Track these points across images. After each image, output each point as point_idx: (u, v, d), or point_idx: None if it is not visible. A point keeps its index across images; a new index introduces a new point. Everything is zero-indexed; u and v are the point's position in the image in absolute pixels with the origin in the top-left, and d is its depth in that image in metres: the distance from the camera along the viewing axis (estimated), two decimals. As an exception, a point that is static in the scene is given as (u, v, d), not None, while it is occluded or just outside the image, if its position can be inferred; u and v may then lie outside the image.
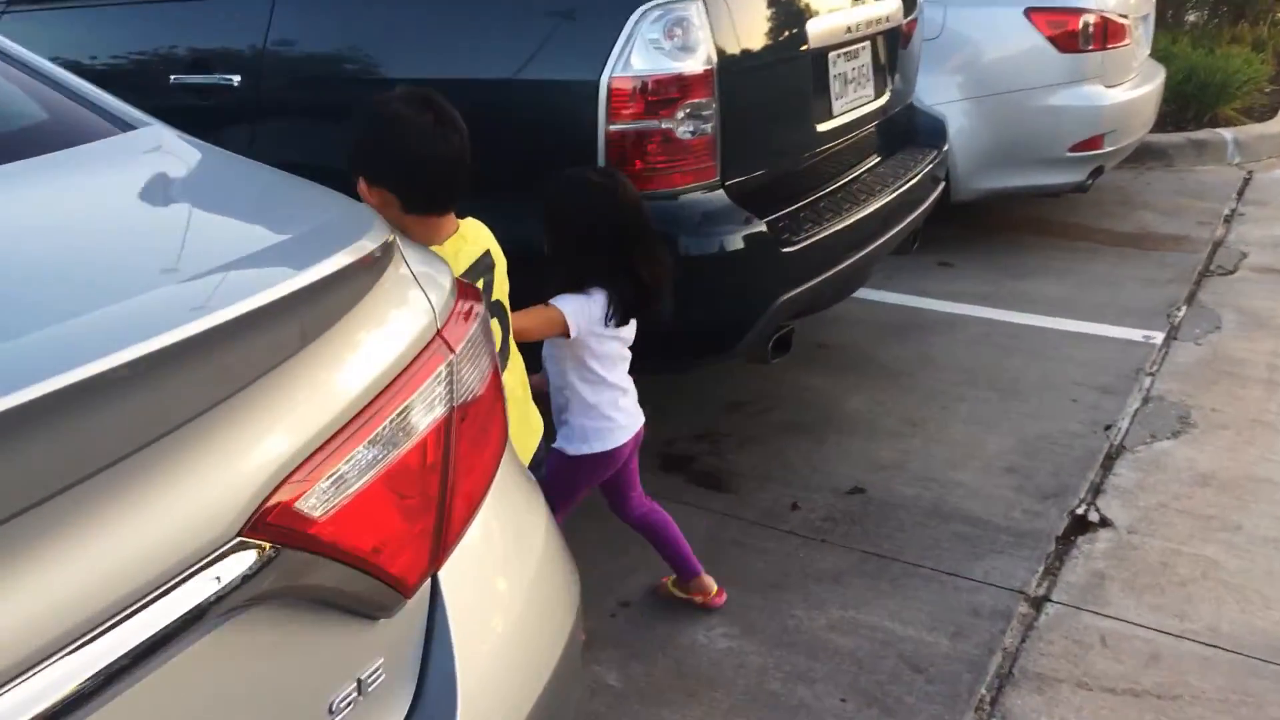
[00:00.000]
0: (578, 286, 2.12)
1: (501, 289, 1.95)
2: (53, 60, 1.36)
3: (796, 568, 2.76)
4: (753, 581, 2.69)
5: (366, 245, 1.05)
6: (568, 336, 2.11)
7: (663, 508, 2.55)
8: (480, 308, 1.28)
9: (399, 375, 1.03)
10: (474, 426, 1.16)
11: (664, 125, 2.44)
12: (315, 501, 0.90)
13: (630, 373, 2.31)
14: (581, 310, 2.11)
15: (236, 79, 2.84)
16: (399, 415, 1.02)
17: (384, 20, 2.69)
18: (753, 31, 2.62)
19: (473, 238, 1.91)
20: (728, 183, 2.58)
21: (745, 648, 2.46)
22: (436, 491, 1.07)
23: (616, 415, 2.25)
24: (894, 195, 3.13)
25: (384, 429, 0.99)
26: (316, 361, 0.95)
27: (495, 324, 1.79)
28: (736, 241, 2.54)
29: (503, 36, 2.57)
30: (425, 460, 1.05)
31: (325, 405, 0.93)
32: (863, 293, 3.97)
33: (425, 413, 1.06)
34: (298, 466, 0.88)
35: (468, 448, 1.14)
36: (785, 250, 2.62)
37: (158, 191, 1.15)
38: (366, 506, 0.97)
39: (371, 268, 1.05)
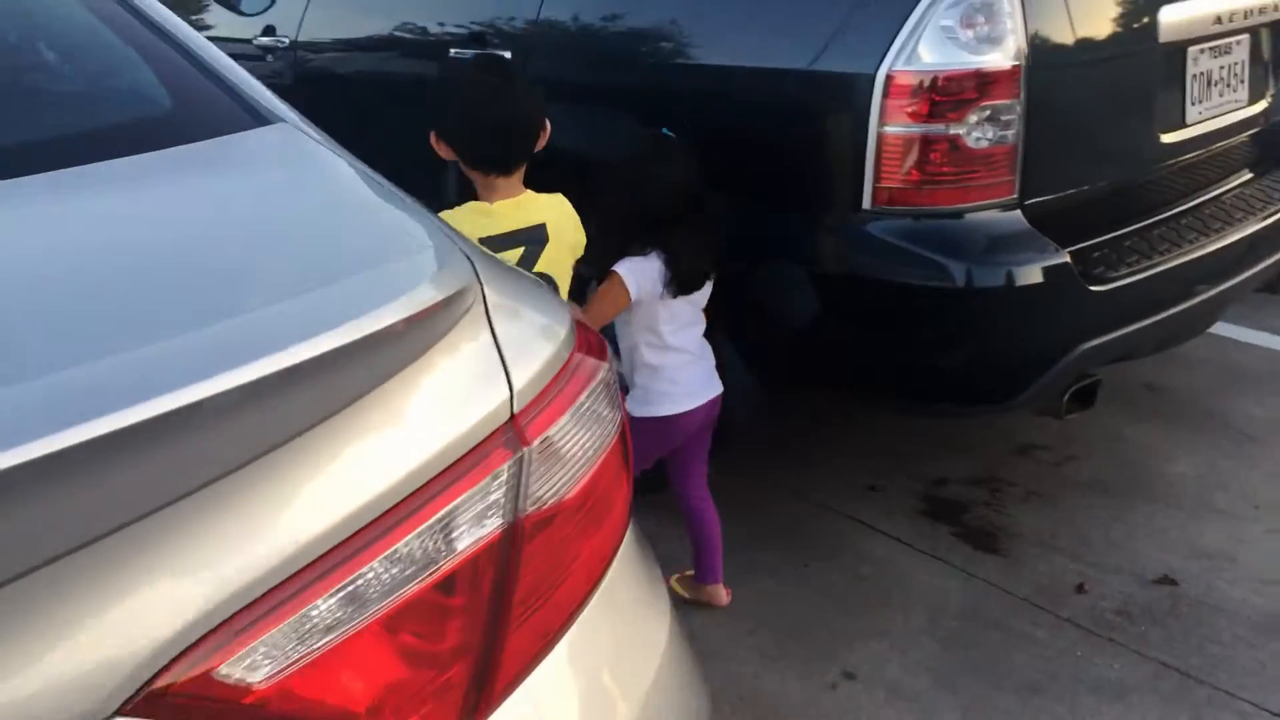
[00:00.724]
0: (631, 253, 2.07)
1: (555, 266, 1.94)
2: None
3: (1069, 669, 2.28)
4: (1008, 677, 2.25)
5: (423, 297, 0.82)
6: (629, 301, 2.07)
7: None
8: (605, 370, 1.02)
9: (433, 480, 0.80)
10: (557, 541, 0.91)
11: (952, 130, 2.04)
12: (257, 661, 0.68)
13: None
14: (639, 270, 2.07)
15: (508, 56, 2.74)
16: (420, 536, 0.78)
17: (652, 2, 2.46)
18: (1082, 20, 2.14)
19: (531, 207, 1.93)
20: (1027, 202, 2.13)
21: (982, 763, 2.05)
22: (480, 635, 0.83)
23: (683, 380, 2.19)
24: (1266, 221, 2.50)
25: (395, 554, 0.77)
26: (296, 463, 0.73)
27: None
28: (1029, 274, 2.10)
29: (772, 17, 2.26)
30: (458, 595, 0.81)
31: (296, 527, 0.72)
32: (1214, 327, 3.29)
33: (466, 529, 0.82)
34: (224, 622, 0.67)
35: (544, 568, 0.89)
36: (1094, 289, 2.14)
37: (218, 211, 0.99)
38: (348, 660, 0.74)
39: (425, 326, 0.82)
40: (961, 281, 2.06)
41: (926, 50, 2.01)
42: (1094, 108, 2.24)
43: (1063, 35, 2.10)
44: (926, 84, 2.02)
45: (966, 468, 3.01)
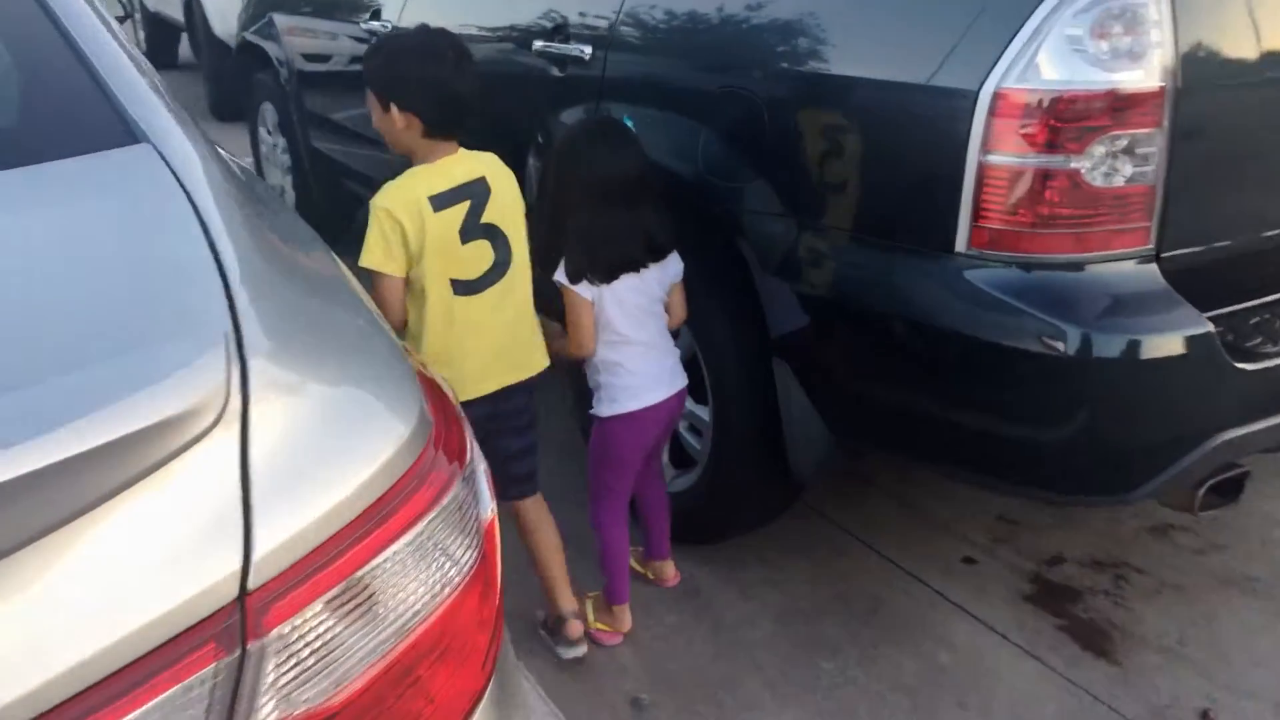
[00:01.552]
0: (559, 236, 2.05)
1: (503, 217, 1.99)
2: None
3: (1177, 821, 1.88)
4: (1098, 823, 1.87)
5: (131, 416, 0.58)
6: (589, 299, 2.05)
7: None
8: (460, 485, 0.76)
9: (92, 689, 0.55)
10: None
11: (1074, 163, 1.66)
12: None
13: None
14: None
15: (588, 52, 2.49)
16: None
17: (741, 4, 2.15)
18: (1249, 33, 1.71)
19: (470, 162, 2.00)
20: (1165, 255, 1.73)
21: None
22: None
23: (642, 371, 2.10)
24: None
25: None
26: None
27: (486, 244, 1.96)
28: (1162, 345, 1.71)
29: (867, 21, 1.92)
30: None
31: None
32: None
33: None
34: None
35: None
36: (1243, 366, 1.72)
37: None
38: None
39: (126, 454, 0.58)
40: (1075, 349, 1.69)
41: (1047, 63, 1.64)
42: (1257, 142, 1.81)
43: (1223, 51, 1.69)
44: (1044, 104, 1.65)
45: (1086, 545, 2.60)
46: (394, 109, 1.93)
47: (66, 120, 0.99)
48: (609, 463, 2.18)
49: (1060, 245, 1.71)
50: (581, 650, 2.20)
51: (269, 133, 4.74)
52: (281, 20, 4.24)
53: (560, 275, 2.05)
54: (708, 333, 2.29)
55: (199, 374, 0.65)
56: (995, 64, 1.66)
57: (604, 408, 2.13)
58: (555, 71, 2.60)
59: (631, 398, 2.10)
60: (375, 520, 0.70)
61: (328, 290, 0.94)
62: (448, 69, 1.94)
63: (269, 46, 4.35)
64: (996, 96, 1.66)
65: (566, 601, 2.19)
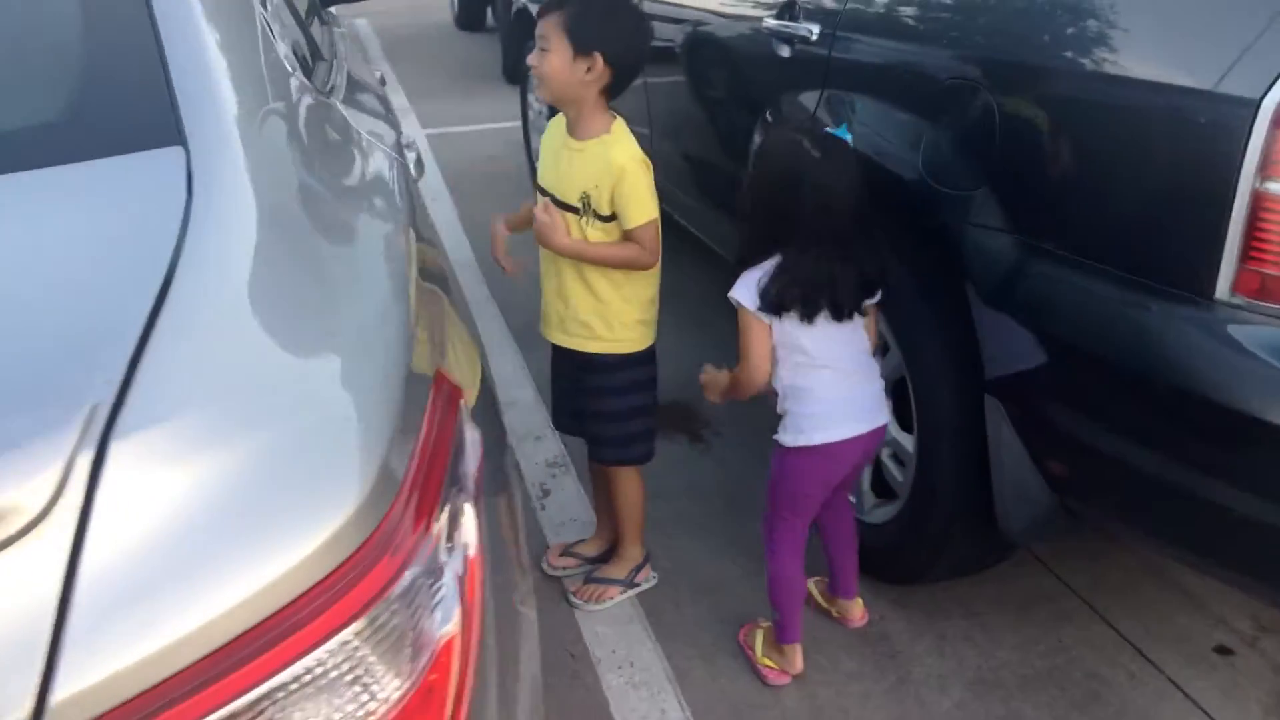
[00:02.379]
0: (755, 254, 1.84)
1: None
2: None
3: None
4: None
5: None
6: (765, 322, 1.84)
7: None
8: (416, 573, 0.63)
9: None
10: None
11: (1388, 198, 1.27)
12: None
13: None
14: (751, 284, 1.82)
15: (815, 30, 2.25)
16: None
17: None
18: None
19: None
20: None
21: None
22: None
23: (834, 399, 1.86)
24: None
25: None
26: None
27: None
28: None
29: (1122, 10, 1.57)
30: None
31: None
32: None
33: None
34: None
35: None
36: None
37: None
38: None
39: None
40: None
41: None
42: None
43: None
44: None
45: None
46: (598, 58, 1.90)
47: (115, 117, 0.93)
48: (787, 496, 1.97)
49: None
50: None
51: (537, 99, 4.81)
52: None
53: (743, 294, 1.83)
54: (917, 355, 2.02)
55: (24, 459, 0.54)
56: (1284, 69, 1.29)
57: (787, 437, 1.91)
58: (784, 51, 2.38)
59: (818, 429, 1.87)
60: (255, 648, 0.58)
61: (348, 320, 0.82)
62: (648, 38, 2.02)
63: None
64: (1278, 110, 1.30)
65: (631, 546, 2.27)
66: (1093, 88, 1.58)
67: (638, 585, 2.30)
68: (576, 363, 2.14)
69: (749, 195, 1.88)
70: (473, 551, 0.75)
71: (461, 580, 0.72)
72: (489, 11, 9.30)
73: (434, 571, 0.69)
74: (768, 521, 2.03)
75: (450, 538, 0.74)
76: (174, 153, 0.88)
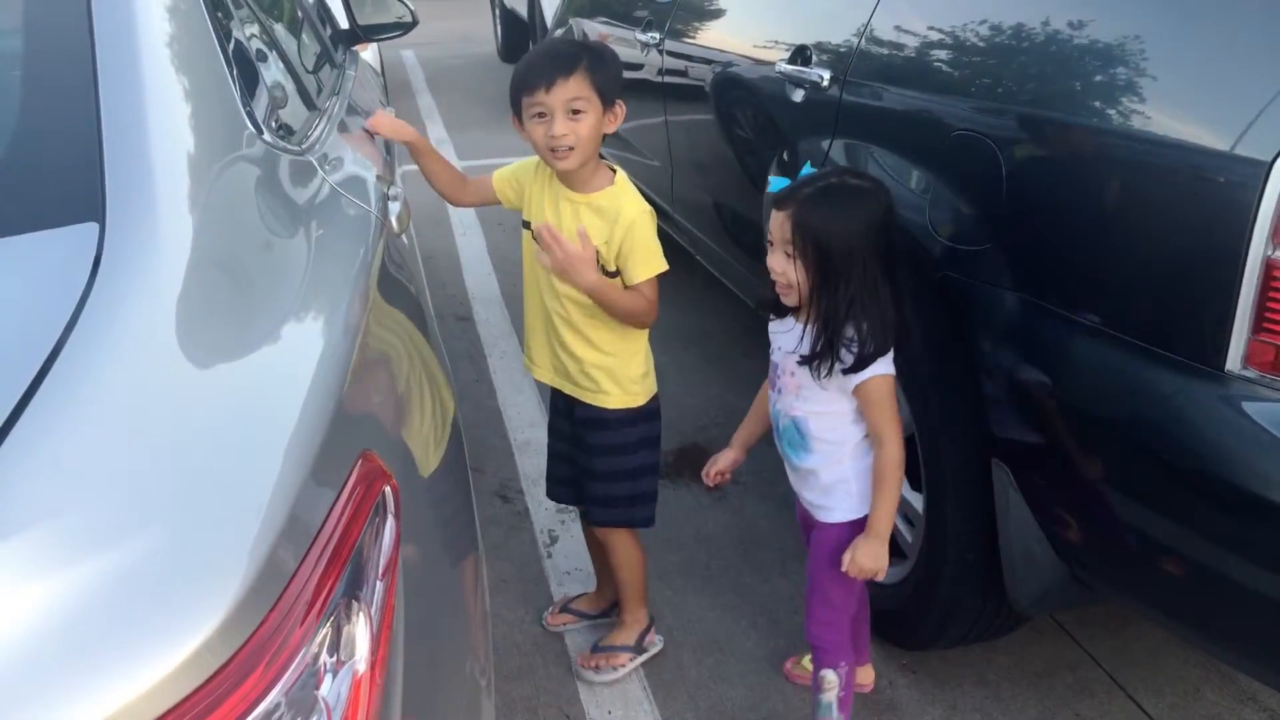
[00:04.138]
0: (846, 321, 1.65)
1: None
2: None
3: None
4: None
5: None
6: None
7: None
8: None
9: None
10: None
11: None
12: None
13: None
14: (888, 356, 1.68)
15: (826, 76, 2.19)
16: None
17: (1012, 29, 1.77)
18: None
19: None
20: None
21: None
22: None
23: None
24: None
25: None
26: None
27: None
28: None
29: (1133, 65, 1.49)
30: None
31: None
32: None
33: None
34: None
35: None
36: None
37: None
38: None
39: None
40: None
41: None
42: None
43: None
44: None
45: None
46: (618, 106, 1.85)
47: (31, 188, 0.90)
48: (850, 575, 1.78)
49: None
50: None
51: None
52: (577, 24, 4.27)
53: (882, 365, 1.65)
54: (924, 413, 1.94)
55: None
56: (1300, 127, 1.21)
57: (857, 506, 1.76)
58: (797, 95, 2.33)
59: None
60: None
61: (250, 404, 0.78)
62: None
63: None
64: (1297, 172, 1.21)
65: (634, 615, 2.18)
66: (1103, 144, 1.50)
67: (645, 651, 2.20)
68: (577, 418, 2.03)
69: (841, 262, 1.62)
70: (362, 669, 0.70)
71: (343, 706, 0.67)
72: (530, 45, 9.38)
73: (304, 700, 0.64)
74: (817, 614, 1.86)
75: (335, 654, 0.69)
76: (87, 230, 0.84)
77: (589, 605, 2.32)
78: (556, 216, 1.89)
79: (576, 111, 1.77)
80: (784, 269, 1.66)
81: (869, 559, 1.71)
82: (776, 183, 1.71)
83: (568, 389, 2.01)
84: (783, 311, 1.78)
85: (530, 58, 1.85)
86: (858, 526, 1.76)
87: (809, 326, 1.70)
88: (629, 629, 2.19)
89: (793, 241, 1.63)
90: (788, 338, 1.76)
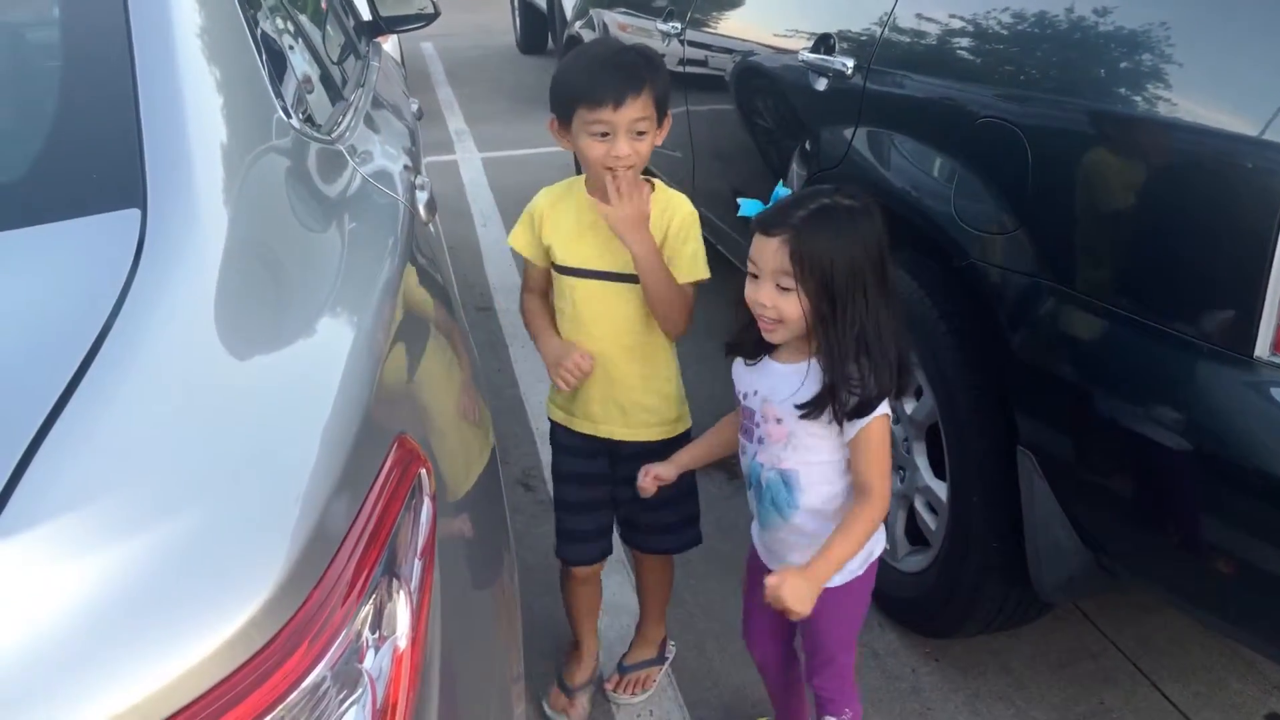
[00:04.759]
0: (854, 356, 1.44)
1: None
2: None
3: None
4: None
5: None
6: None
7: None
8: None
9: None
10: None
11: None
12: None
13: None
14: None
15: (850, 65, 2.19)
16: None
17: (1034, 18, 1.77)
18: None
19: None
20: None
21: None
22: None
23: None
24: None
25: None
26: None
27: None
28: None
29: (1160, 52, 1.48)
30: None
31: None
32: None
33: None
34: None
35: None
36: None
37: None
38: None
39: None
40: None
41: None
42: None
43: None
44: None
45: None
46: (668, 119, 1.73)
47: (72, 177, 0.92)
48: (862, 617, 1.69)
49: None
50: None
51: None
52: (598, 15, 4.27)
53: (870, 413, 1.46)
54: (949, 401, 1.94)
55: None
56: (1330, 110, 1.20)
57: (861, 556, 1.59)
58: (820, 84, 2.33)
59: (878, 537, 1.63)
60: None
61: (291, 394, 0.79)
62: None
63: (588, 37, 4.41)
64: (1329, 154, 1.21)
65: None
66: (1129, 130, 1.50)
67: (667, 658, 2.19)
68: (624, 455, 1.85)
69: (846, 293, 1.43)
70: (403, 645, 0.72)
71: (385, 680, 0.68)
72: (550, 35, 9.38)
73: (348, 674, 0.66)
74: (837, 669, 1.71)
75: (377, 631, 0.70)
76: (129, 216, 0.86)
77: (583, 677, 2.14)
78: (592, 237, 1.76)
79: (641, 133, 1.65)
80: (774, 302, 1.45)
81: (794, 599, 1.39)
82: (749, 205, 1.52)
83: (619, 434, 1.85)
84: (758, 352, 1.58)
85: (590, 66, 1.67)
86: (862, 577, 1.61)
87: (810, 366, 1.48)
88: (653, 644, 2.15)
89: (792, 272, 1.42)
90: (769, 381, 1.55)
